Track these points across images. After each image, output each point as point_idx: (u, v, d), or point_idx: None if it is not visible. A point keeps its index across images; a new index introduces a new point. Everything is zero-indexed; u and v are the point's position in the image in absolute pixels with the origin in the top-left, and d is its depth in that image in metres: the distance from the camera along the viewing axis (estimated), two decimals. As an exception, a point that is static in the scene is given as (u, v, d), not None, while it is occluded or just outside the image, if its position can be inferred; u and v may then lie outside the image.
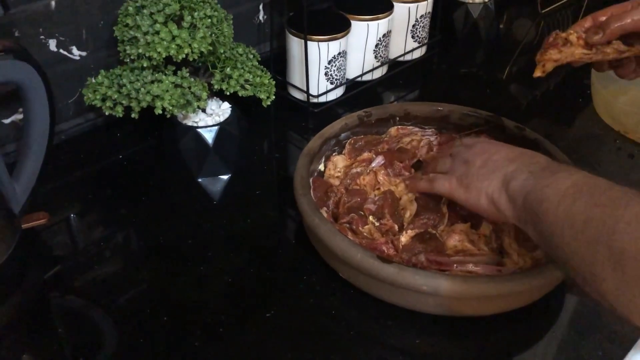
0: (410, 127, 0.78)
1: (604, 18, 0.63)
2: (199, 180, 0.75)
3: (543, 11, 1.20)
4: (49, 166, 0.66)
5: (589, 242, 0.41)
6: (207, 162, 0.74)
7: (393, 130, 0.77)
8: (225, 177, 0.76)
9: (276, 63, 0.91)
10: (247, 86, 0.72)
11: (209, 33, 0.67)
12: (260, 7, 0.93)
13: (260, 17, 0.94)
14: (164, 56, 0.64)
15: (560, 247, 0.44)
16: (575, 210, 0.43)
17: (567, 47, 0.62)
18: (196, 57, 0.66)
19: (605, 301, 0.41)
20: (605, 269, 0.39)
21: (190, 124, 0.74)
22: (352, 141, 0.75)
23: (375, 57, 0.93)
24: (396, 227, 0.64)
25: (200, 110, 0.74)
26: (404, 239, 0.62)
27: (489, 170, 0.56)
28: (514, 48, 1.13)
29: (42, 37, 0.72)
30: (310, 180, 0.68)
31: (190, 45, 0.65)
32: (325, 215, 0.64)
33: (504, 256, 0.60)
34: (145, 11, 0.65)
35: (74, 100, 0.79)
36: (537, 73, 0.65)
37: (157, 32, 0.64)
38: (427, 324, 0.58)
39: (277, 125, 0.89)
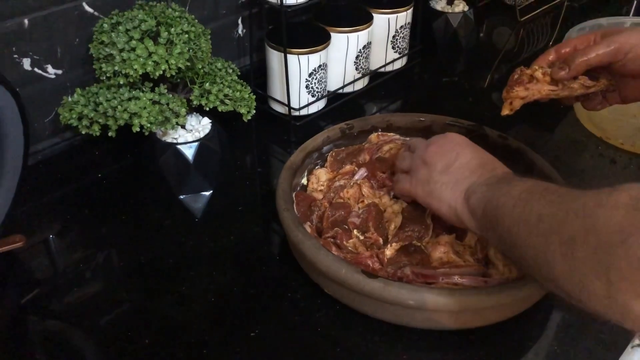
0: (391, 134, 0.78)
1: (567, 50, 0.64)
2: (180, 197, 0.74)
3: (522, 19, 1.21)
4: (25, 188, 0.65)
5: (542, 235, 0.44)
6: (187, 178, 0.73)
7: (374, 137, 0.77)
8: (206, 193, 0.75)
9: (256, 77, 0.90)
10: (227, 101, 0.72)
11: (187, 48, 0.66)
12: (239, 21, 0.93)
13: (240, 31, 0.94)
14: (140, 73, 0.63)
15: (517, 245, 0.47)
16: (529, 209, 0.46)
17: (534, 84, 0.62)
18: (174, 73, 0.65)
19: (557, 288, 0.44)
20: (556, 256, 0.42)
21: (169, 140, 0.73)
22: (334, 154, 0.75)
23: (356, 69, 0.93)
24: (381, 240, 0.63)
25: (179, 127, 0.73)
26: (388, 252, 0.61)
27: (451, 180, 0.57)
28: (494, 56, 1.13)
29: (15, 56, 0.71)
30: (293, 195, 0.67)
31: (167, 61, 0.64)
32: (309, 230, 0.63)
33: (490, 267, 0.60)
34: (120, 28, 0.65)
35: (50, 120, 0.77)
36: (505, 111, 0.65)
37: (133, 49, 0.63)
38: (414, 338, 0.57)
39: (258, 140, 0.88)
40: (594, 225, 0.39)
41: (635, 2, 1.27)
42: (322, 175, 0.73)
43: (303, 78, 0.84)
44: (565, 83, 0.62)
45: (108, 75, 0.65)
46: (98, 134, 0.67)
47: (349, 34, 0.88)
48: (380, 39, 0.96)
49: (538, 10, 1.24)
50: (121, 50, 0.63)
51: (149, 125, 0.64)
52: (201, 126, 0.75)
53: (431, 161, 0.60)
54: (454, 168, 0.58)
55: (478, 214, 0.53)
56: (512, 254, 0.50)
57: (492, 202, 0.51)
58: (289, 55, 0.82)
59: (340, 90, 0.93)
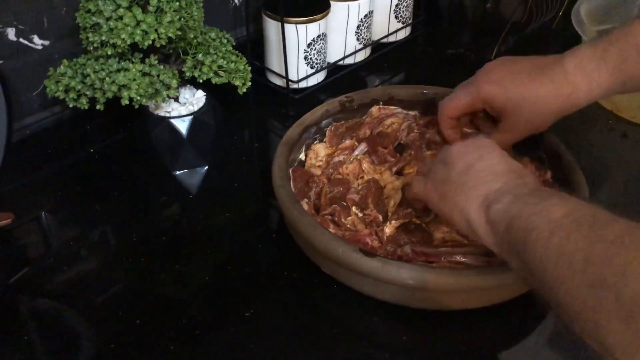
0: (393, 107, 0.75)
1: (454, 121, 0.68)
2: (174, 173, 0.72)
3: (531, -12, 1.16)
4: (13, 163, 0.63)
5: (591, 285, 0.35)
6: (181, 154, 0.71)
7: (374, 110, 0.74)
8: (201, 169, 0.73)
9: (254, 48, 0.87)
10: (221, 73, 0.69)
11: (177, 17, 0.63)
12: (236, -11, 0.89)
13: (236, 0, 0.90)
14: (128, 43, 0.61)
15: (554, 287, 0.38)
16: (573, 244, 0.37)
17: None
18: (164, 43, 0.62)
19: (610, 356, 0.35)
20: (613, 320, 0.33)
21: (162, 114, 0.70)
22: (333, 128, 0.72)
23: (357, 39, 0.89)
24: (380, 217, 0.61)
25: (172, 100, 0.71)
26: (388, 229, 0.59)
27: (469, 181, 0.49)
28: (501, 27, 1.09)
29: (-1, 25, 0.68)
30: (290, 171, 0.65)
31: (156, 30, 0.61)
32: (306, 207, 0.61)
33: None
34: (108, -5, 0.61)
35: (38, 93, 0.75)
36: None
37: (121, 17, 0.60)
38: (414, 319, 0.55)
39: (255, 113, 0.85)
40: None
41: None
42: (320, 150, 0.70)
43: (301, 49, 0.81)
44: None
45: (95, 45, 0.62)
46: (86, 107, 0.64)
47: (349, 3, 0.85)
48: (383, 8, 0.93)
49: (548, -21, 1.19)
50: (108, 19, 0.60)
51: (138, 98, 0.62)
52: (195, 99, 0.72)
53: (451, 161, 0.51)
54: (474, 169, 0.49)
55: (499, 230, 0.44)
56: (545, 294, 0.39)
57: (520, 219, 0.42)
58: (286, 25, 0.78)
59: (341, 62, 0.90)
